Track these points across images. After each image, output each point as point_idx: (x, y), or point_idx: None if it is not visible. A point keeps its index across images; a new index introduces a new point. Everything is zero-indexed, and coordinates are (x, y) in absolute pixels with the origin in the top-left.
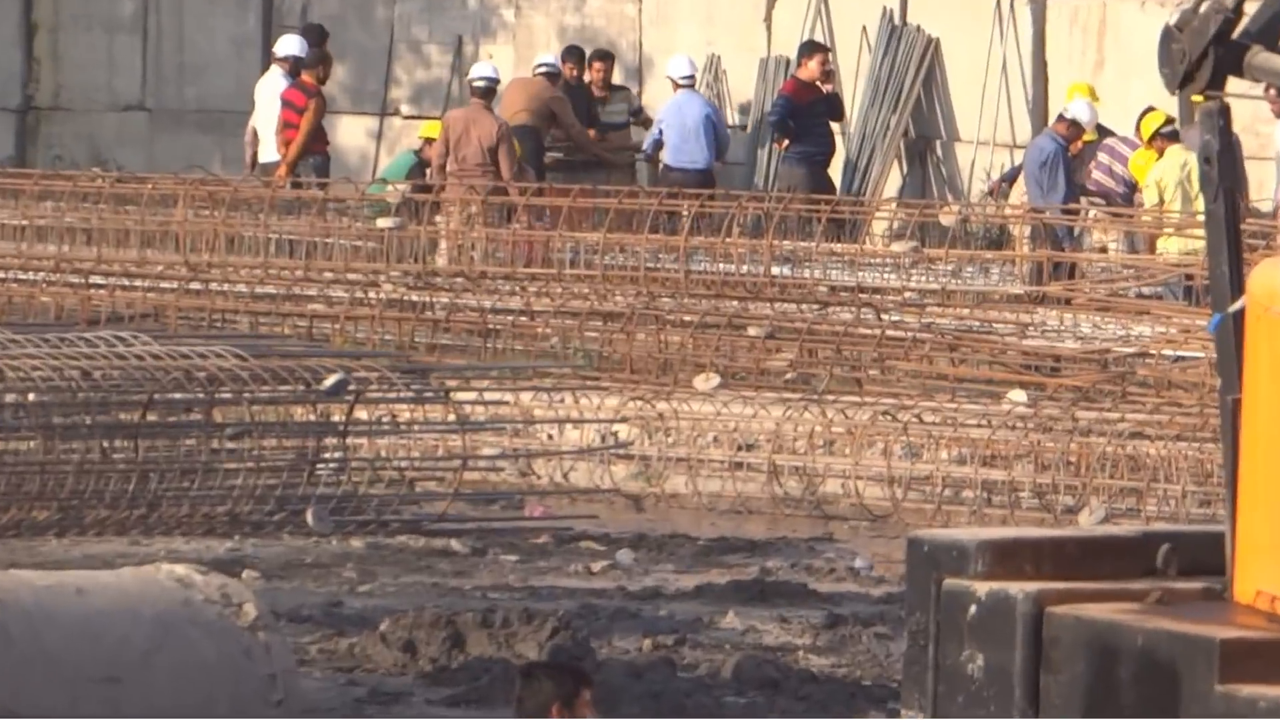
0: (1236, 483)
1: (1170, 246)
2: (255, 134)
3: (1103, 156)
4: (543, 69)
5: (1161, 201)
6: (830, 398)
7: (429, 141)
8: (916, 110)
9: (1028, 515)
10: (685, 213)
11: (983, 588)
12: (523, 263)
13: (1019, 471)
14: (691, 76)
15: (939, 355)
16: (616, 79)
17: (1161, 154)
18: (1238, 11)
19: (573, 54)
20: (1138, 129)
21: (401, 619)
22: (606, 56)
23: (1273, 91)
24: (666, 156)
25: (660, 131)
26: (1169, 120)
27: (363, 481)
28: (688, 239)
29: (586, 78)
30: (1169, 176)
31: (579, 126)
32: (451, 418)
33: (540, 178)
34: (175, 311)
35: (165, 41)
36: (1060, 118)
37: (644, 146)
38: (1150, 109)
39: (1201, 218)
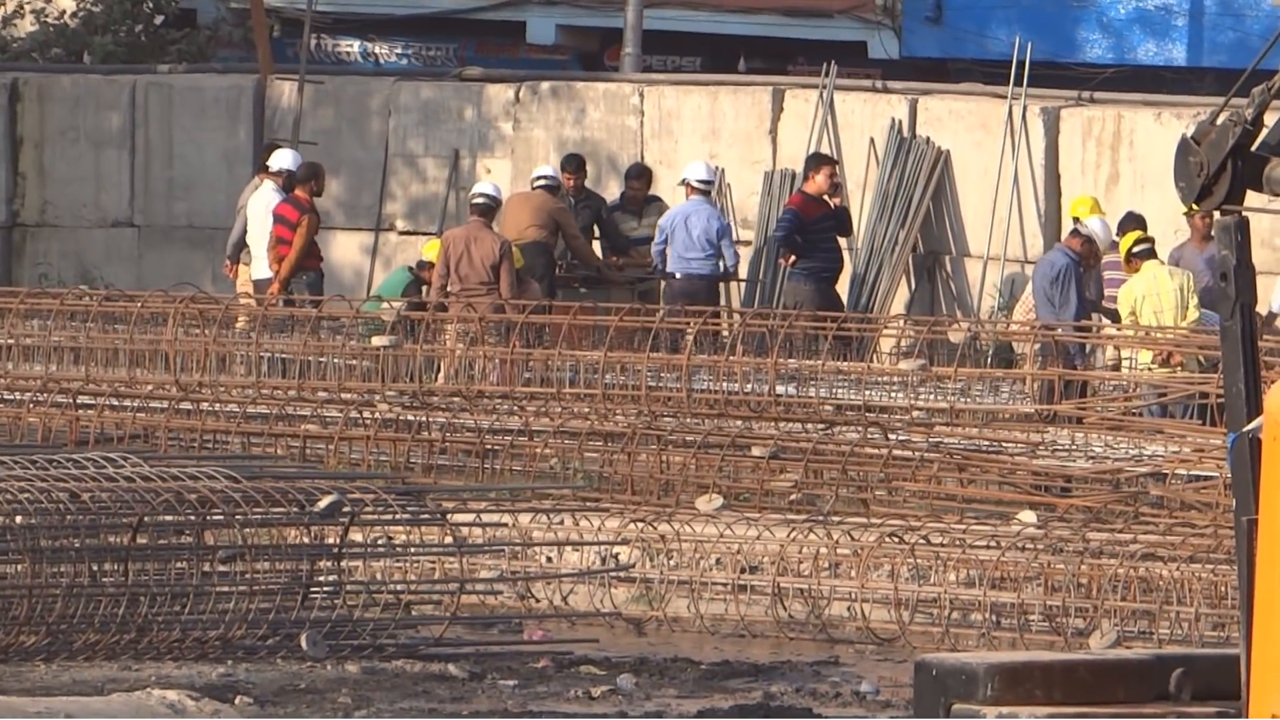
0: (1251, 606)
1: (1143, 359)
2: (234, 256)
3: (1108, 274)
4: (542, 182)
5: (1134, 316)
6: (836, 519)
7: (430, 265)
8: (925, 224)
9: (1037, 638)
10: (689, 330)
11: (992, 713)
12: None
13: (1029, 594)
14: (708, 182)
15: (947, 475)
16: (614, 190)
17: (1137, 271)
18: (1257, 124)
19: (571, 162)
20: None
21: None
22: (644, 174)
23: None
24: (670, 264)
25: (664, 239)
26: (1141, 239)
27: (358, 605)
28: (690, 357)
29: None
30: (1139, 290)
31: (582, 239)
32: (448, 540)
33: (552, 294)
34: (165, 432)
35: (154, 156)
36: (1074, 233)
37: (653, 257)
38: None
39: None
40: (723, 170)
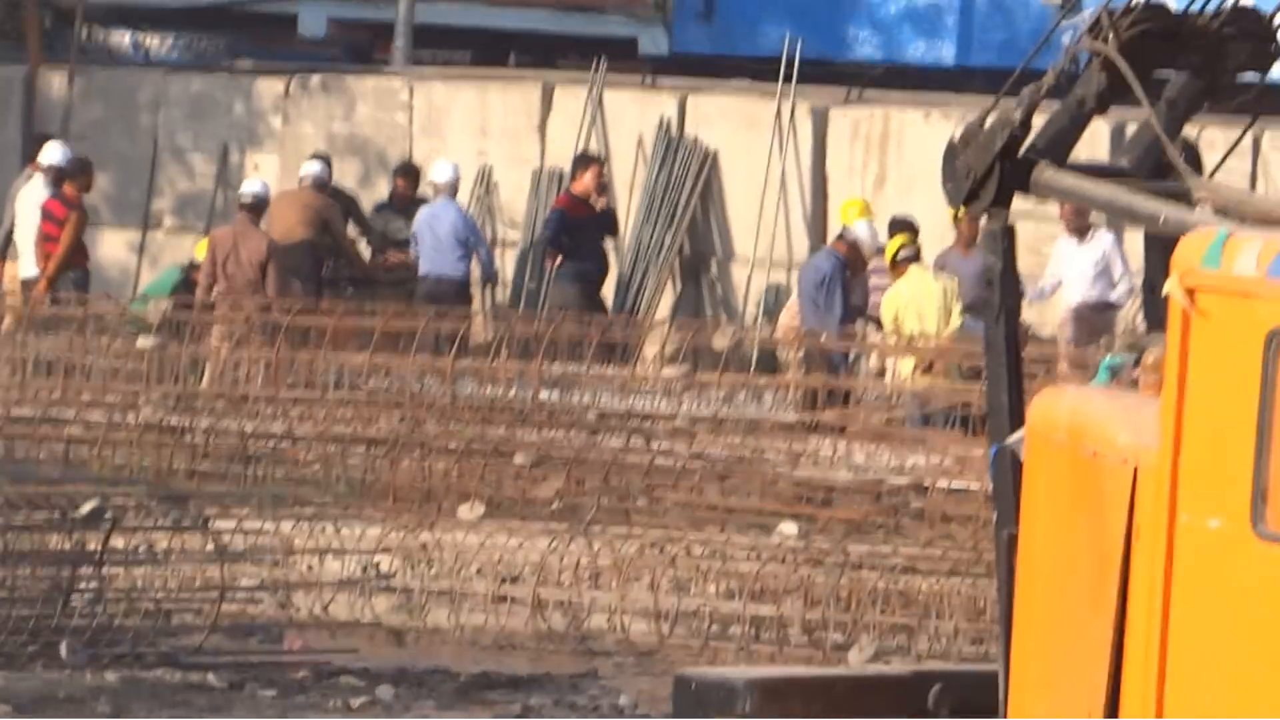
0: (1010, 621)
1: (904, 368)
2: (6, 243)
3: (874, 280)
4: (310, 178)
5: (897, 323)
6: (597, 528)
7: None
8: (693, 226)
9: (796, 652)
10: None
11: None
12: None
13: (788, 607)
14: (451, 182)
15: (709, 485)
16: (383, 188)
17: (902, 277)
18: (1025, 127)
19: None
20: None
21: None
22: (410, 171)
23: (1068, 208)
24: (421, 266)
25: (414, 241)
26: (906, 245)
27: (118, 613)
28: (455, 362)
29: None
30: (902, 296)
31: (349, 240)
32: (210, 547)
33: (319, 295)
34: None
35: None
36: (840, 237)
37: (413, 258)
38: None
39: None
40: (491, 168)
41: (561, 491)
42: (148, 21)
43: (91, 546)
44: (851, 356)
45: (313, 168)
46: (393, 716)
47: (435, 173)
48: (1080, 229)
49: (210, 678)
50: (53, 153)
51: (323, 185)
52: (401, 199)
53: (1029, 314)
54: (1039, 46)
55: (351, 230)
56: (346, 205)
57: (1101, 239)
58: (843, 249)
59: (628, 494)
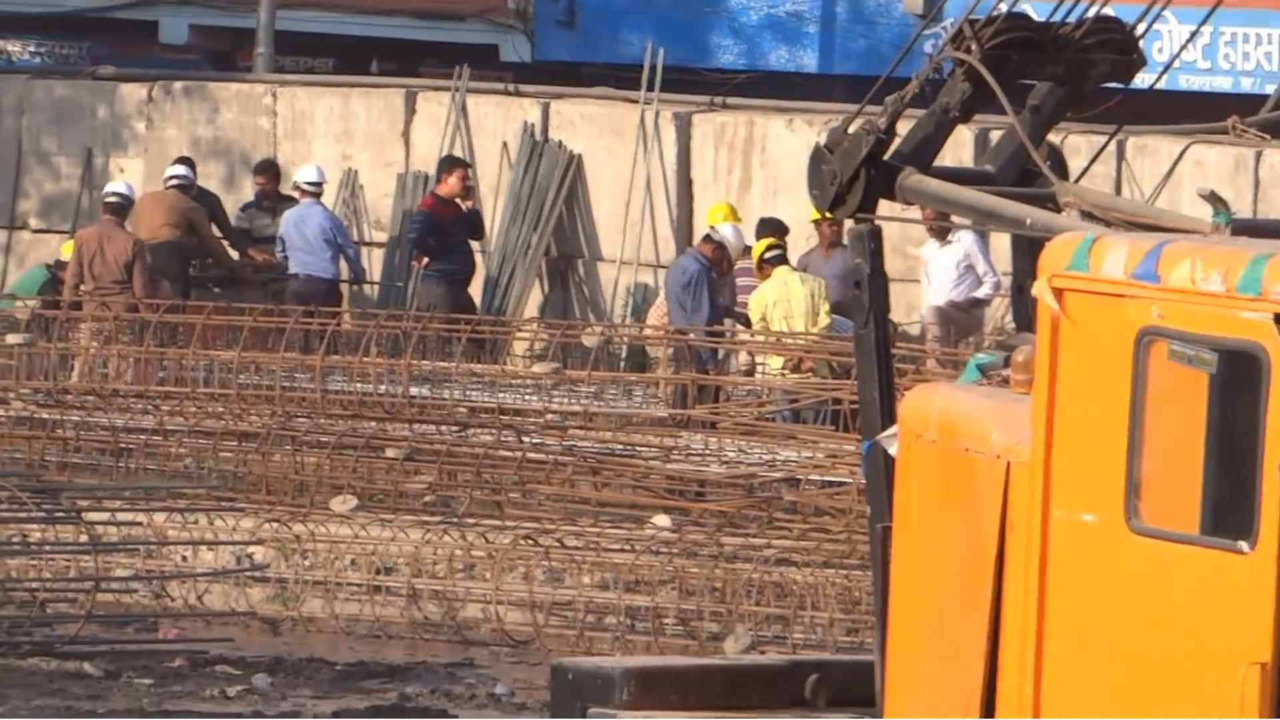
0: (886, 611)
1: (774, 364)
2: None
3: (741, 280)
4: (175, 181)
5: (765, 322)
6: (470, 521)
7: (67, 264)
8: (559, 228)
9: (672, 642)
10: (316, 328)
11: (628, 717)
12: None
13: (663, 597)
14: (318, 184)
15: (581, 479)
16: (249, 190)
17: (769, 278)
18: (889, 132)
19: (187, 162)
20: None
21: None
22: (269, 168)
23: (930, 213)
24: (290, 265)
25: (283, 243)
26: (773, 246)
27: None
28: (325, 358)
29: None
30: (770, 296)
31: (215, 239)
32: (83, 538)
33: (186, 294)
34: None
35: None
36: (707, 238)
37: (278, 259)
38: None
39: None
40: (356, 172)
41: (434, 484)
42: (8, 28)
43: None
44: (720, 354)
45: (177, 170)
46: (269, 704)
47: (301, 175)
48: (941, 231)
49: (86, 666)
50: None
51: (187, 187)
52: (267, 196)
53: (898, 313)
54: (902, 55)
55: (216, 231)
56: (211, 206)
57: (963, 240)
58: (708, 251)
59: (500, 487)
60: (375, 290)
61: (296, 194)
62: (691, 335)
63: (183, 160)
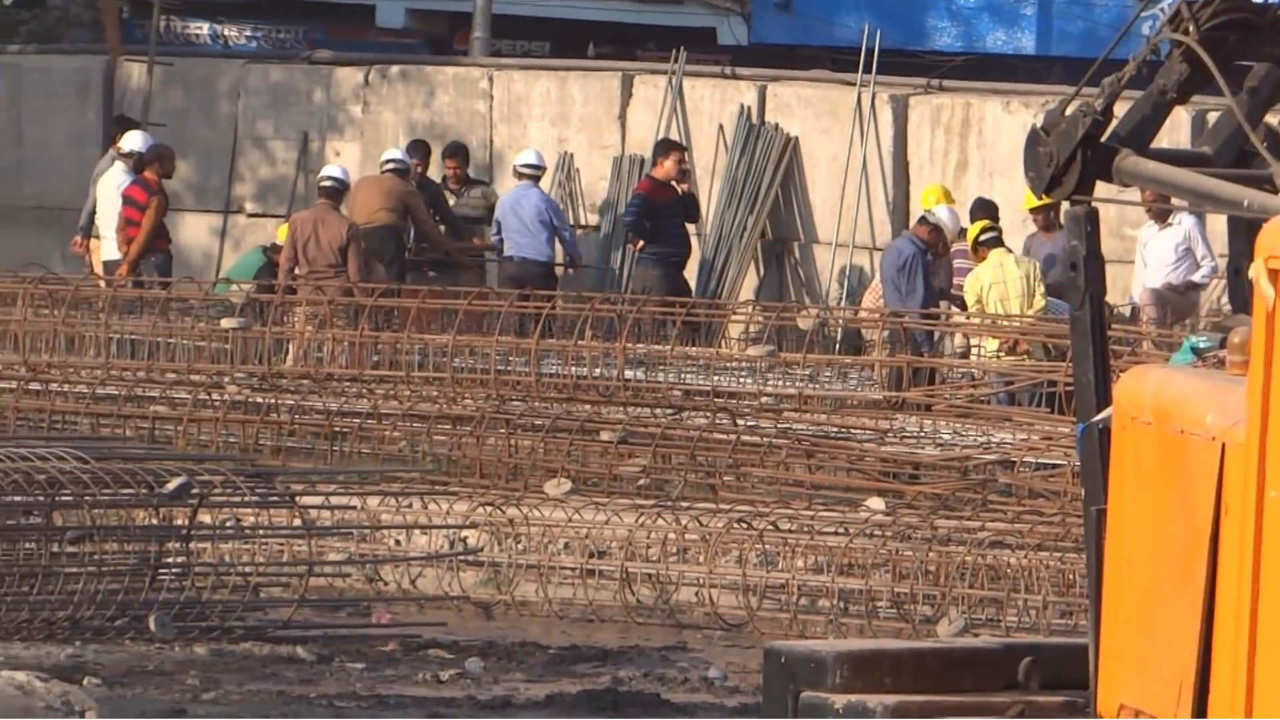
0: (1100, 594)
1: (990, 347)
2: (85, 230)
3: (958, 263)
4: (391, 165)
5: (980, 304)
6: (684, 504)
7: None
8: (774, 211)
9: (885, 625)
10: (531, 311)
11: (841, 700)
12: (370, 365)
13: (876, 580)
14: (537, 167)
15: (795, 461)
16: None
17: (984, 260)
18: (1106, 114)
19: (418, 149)
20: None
21: None
22: (459, 151)
23: (1150, 195)
24: (506, 248)
25: (499, 226)
26: (988, 228)
27: (206, 587)
28: (539, 341)
29: (438, 173)
30: (985, 278)
31: (431, 223)
32: (297, 522)
33: (402, 278)
34: (14, 413)
35: (2, 137)
36: (922, 220)
37: (493, 242)
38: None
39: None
40: (571, 155)
41: (648, 468)
42: (225, 13)
43: (179, 522)
44: (936, 337)
45: (394, 154)
46: (481, 688)
47: (520, 159)
48: (1161, 214)
49: (299, 651)
50: (133, 140)
51: (404, 172)
52: (457, 180)
53: (1113, 295)
54: (1120, 36)
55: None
56: (432, 194)
57: (1183, 222)
58: (924, 233)
59: (715, 470)
60: (589, 273)
61: (516, 177)
62: (906, 318)
63: (416, 144)
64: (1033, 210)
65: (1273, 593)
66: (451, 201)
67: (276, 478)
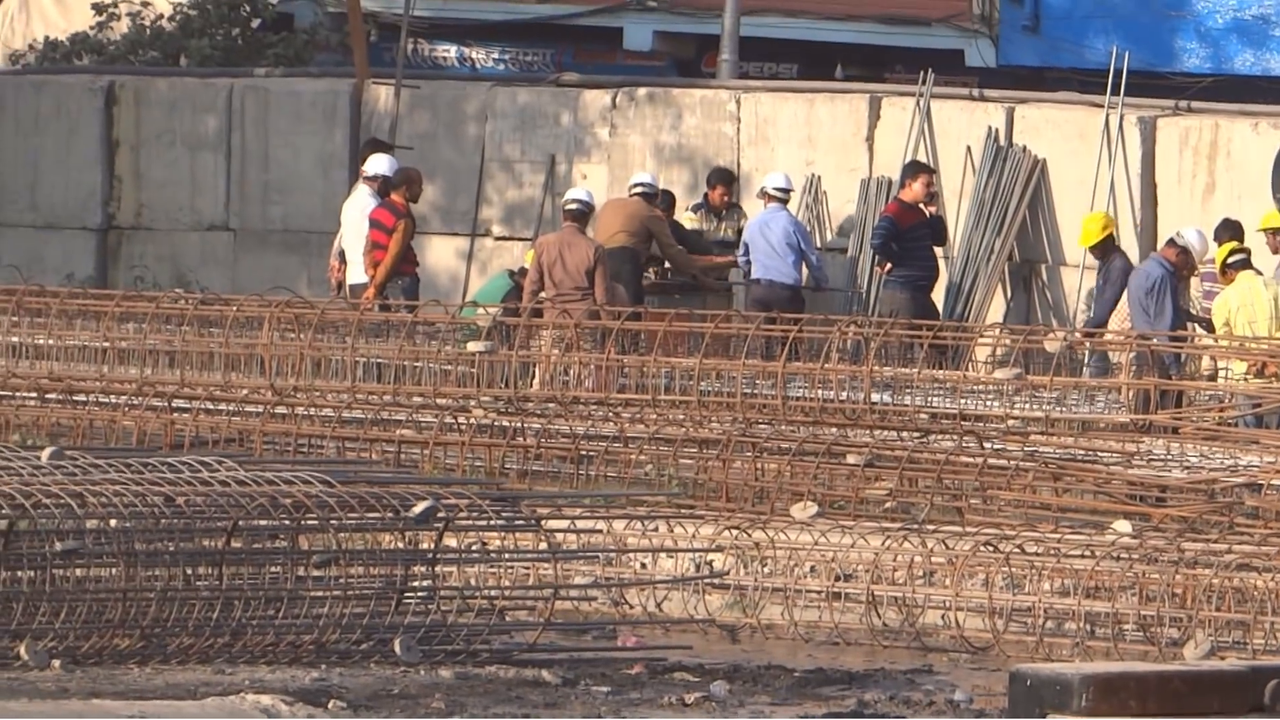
0: None
1: (1237, 370)
2: (342, 256)
3: (1206, 285)
4: (639, 189)
5: (1229, 327)
6: (930, 527)
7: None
8: (1021, 233)
9: (1131, 648)
10: (778, 334)
11: None
12: (616, 389)
13: (1123, 603)
14: (786, 190)
15: (1042, 484)
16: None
17: (1232, 282)
18: None
19: (666, 198)
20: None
21: None
22: (727, 178)
23: None
24: (754, 270)
25: (746, 248)
26: (1236, 250)
27: (452, 610)
28: (785, 365)
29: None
30: (1233, 301)
31: (676, 247)
32: (543, 546)
33: (639, 300)
34: (260, 436)
35: (249, 160)
36: (1170, 243)
37: (739, 265)
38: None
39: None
40: (819, 178)
41: (895, 491)
42: (472, 36)
43: (424, 546)
44: (1183, 359)
45: (642, 178)
46: (727, 712)
47: (769, 181)
48: None
49: (544, 674)
50: (379, 163)
51: (651, 196)
52: (716, 205)
53: None
54: None
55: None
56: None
57: None
58: (1172, 255)
59: (961, 493)
60: (836, 296)
61: (763, 200)
62: (1154, 340)
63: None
64: (1269, 230)
65: None
66: (712, 227)
67: (522, 501)
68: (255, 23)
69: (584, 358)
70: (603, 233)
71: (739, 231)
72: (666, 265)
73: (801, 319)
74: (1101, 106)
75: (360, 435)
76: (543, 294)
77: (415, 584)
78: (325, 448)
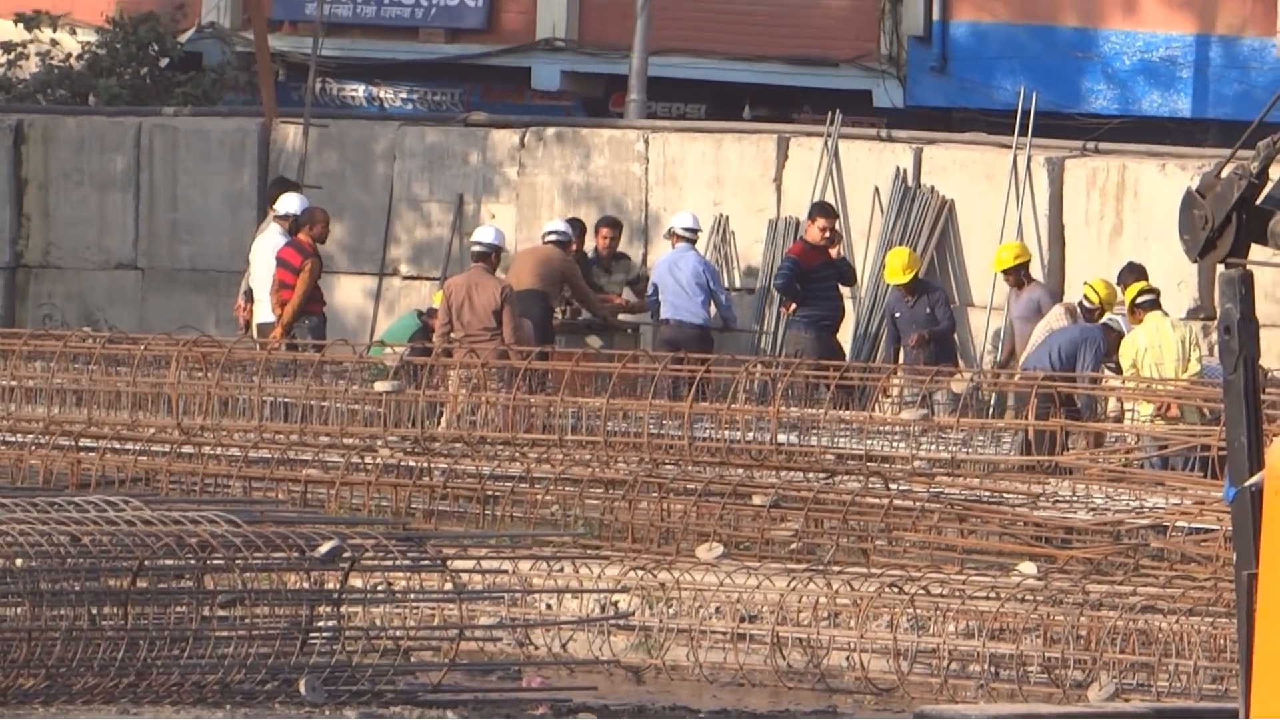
0: (1251, 660)
1: (1144, 411)
2: (249, 295)
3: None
4: (553, 237)
5: (1135, 368)
6: (836, 568)
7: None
8: (929, 273)
9: (1036, 690)
10: (685, 374)
11: None
12: (523, 429)
13: (1027, 645)
14: (694, 230)
15: (948, 525)
16: (623, 239)
17: (1141, 322)
18: (1262, 177)
19: (575, 226)
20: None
21: None
22: (614, 224)
23: None
24: (662, 310)
25: (655, 288)
26: (1145, 290)
27: (357, 650)
28: (692, 405)
29: (590, 244)
30: (1141, 342)
31: (589, 292)
32: (448, 586)
33: (549, 341)
34: (167, 475)
35: (158, 199)
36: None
37: (648, 304)
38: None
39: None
40: (727, 218)
41: (800, 532)
42: (381, 75)
43: (330, 586)
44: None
45: (556, 225)
46: None
47: (677, 221)
48: None
49: (449, 715)
50: (288, 203)
51: (565, 244)
52: (605, 252)
53: (1267, 359)
54: (1276, 99)
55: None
56: (584, 265)
57: None
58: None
59: (867, 534)
60: (743, 336)
61: (671, 240)
62: (1059, 383)
63: (573, 221)
64: (1004, 271)
65: None
66: (602, 279)
67: (428, 541)
68: (164, 62)
69: (491, 398)
70: (517, 278)
71: (631, 282)
72: (575, 304)
73: (709, 359)
74: (1009, 147)
75: (267, 475)
76: (452, 334)
77: (320, 624)
78: (231, 487)
